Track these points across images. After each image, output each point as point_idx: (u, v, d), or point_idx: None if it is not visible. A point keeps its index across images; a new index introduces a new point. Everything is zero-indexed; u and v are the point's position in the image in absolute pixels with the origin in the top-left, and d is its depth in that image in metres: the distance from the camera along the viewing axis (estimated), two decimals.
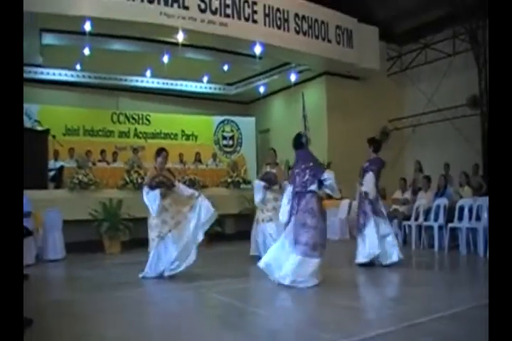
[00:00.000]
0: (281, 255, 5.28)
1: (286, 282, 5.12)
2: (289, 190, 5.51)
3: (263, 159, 10.45)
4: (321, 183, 5.41)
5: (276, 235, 7.32)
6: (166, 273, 5.84)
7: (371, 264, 6.52)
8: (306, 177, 5.38)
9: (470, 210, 7.74)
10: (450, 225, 7.91)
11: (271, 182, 7.58)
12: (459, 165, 9.89)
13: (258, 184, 7.63)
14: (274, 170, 7.72)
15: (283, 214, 5.49)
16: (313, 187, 5.37)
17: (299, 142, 5.73)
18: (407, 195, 9.60)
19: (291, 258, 5.18)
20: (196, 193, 6.21)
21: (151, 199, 5.90)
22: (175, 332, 3.78)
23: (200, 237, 5.98)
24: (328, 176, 5.39)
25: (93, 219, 8.71)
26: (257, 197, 7.61)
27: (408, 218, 8.86)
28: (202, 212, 6.00)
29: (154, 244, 5.87)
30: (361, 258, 6.56)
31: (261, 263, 5.37)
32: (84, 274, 6.70)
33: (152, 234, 5.93)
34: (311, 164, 5.49)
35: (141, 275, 5.90)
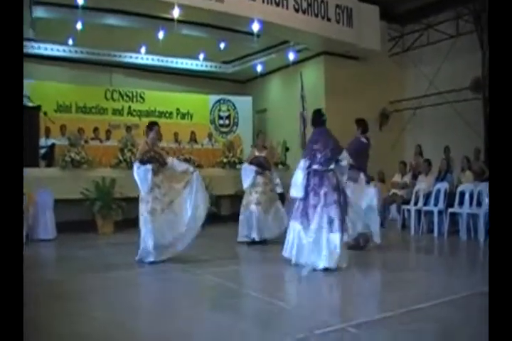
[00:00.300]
0: (314, 240, 5.09)
1: (331, 265, 4.97)
2: (303, 165, 5.32)
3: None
4: (336, 162, 5.36)
5: (264, 218, 7.16)
6: (162, 258, 5.67)
7: (363, 246, 6.43)
8: (328, 156, 5.29)
9: (471, 195, 7.62)
10: (450, 210, 7.79)
11: (263, 167, 7.38)
12: (461, 149, 9.72)
13: (249, 168, 7.37)
14: (263, 154, 7.51)
15: (297, 189, 5.28)
16: (333, 165, 5.33)
17: (322, 120, 5.61)
18: (407, 178, 9.47)
19: (332, 239, 5.05)
20: (191, 168, 5.97)
21: (141, 174, 5.62)
22: (168, 313, 3.70)
23: (202, 216, 5.79)
24: (344, 156, 5.38)
25: (85, 198, 8.55)
26: (246, 183, 7.35)
27: (407, 202, 8.74)
28: (199, 188, 5.79)
29: (143, 221, 5.58)
30: (358, 228, 6.39)
31: (292, 253, 5.24)
32: (77, 254, 6.59)
33: (142, 209, 5.64)
34: (331, 143, 5.40)
35: (136, 259, 5.68)
